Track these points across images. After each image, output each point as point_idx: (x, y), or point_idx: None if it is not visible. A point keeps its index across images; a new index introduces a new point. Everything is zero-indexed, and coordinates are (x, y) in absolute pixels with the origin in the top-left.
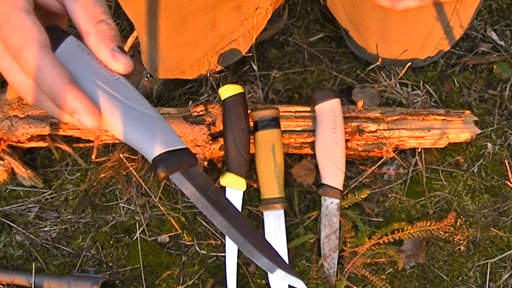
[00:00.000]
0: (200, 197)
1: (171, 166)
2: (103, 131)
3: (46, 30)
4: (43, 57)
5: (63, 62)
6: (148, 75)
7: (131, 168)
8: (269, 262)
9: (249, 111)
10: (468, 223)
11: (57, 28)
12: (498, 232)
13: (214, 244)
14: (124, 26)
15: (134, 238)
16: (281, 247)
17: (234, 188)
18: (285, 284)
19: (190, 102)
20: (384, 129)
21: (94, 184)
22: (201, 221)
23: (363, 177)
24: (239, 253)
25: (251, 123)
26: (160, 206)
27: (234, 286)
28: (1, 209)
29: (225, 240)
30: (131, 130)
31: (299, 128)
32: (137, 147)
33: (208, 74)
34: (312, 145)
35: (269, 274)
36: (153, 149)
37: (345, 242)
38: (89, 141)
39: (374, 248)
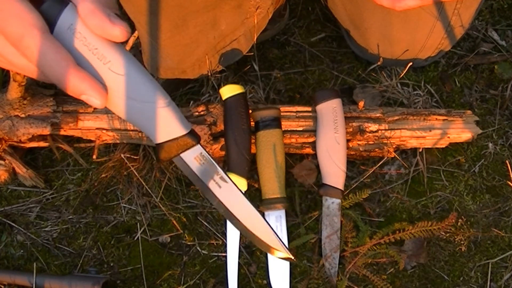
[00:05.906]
0: (199, 181)
1: (170, 153)
2: (104, 131)
3: (41, 6)
4: (45, 42)
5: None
6: None
7: (132, 168)
8: (268, 245)
9: (250, 111)
10: (469, 223)
11: (50, 4)
12: (499, 232)
13: (215, 244)
14: None
15: (135, 238)
16: None
17: None
18: (286, 284)
19: (191, 102)
20: (385, 129)
21: (95, 184)
22: (202, 221)
23: (364, 177)
24: (240, 253)
25: (252, 123)
26: (161, 206)
27: (235, 286)
28: (2, 209)
29: (226, 240)
30: (130, 120)
31: (300, 128)
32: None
33: (209, 74)
34: (313, 145)
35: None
36: (153, 138)
37: (346, 242)
38: (90, 141)
39: (375, 248)
